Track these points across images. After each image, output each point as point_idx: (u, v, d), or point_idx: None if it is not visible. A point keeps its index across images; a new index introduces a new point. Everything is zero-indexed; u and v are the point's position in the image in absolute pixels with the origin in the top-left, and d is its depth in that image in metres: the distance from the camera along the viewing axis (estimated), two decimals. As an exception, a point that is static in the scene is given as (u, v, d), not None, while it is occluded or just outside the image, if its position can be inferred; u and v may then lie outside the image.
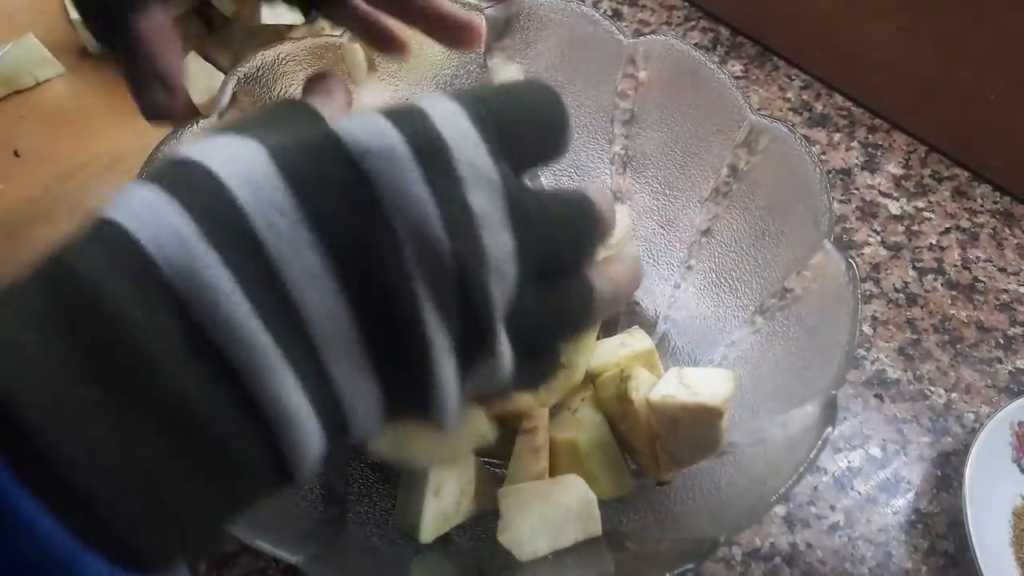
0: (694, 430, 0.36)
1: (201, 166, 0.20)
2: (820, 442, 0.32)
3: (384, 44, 0.38)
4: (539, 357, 0.26)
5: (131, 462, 0.18)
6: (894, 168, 0.63)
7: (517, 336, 0.24)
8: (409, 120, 0.21)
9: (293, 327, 0.19)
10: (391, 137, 0.21)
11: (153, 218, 0.19)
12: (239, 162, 0.20)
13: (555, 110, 0.25)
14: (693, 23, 0.71)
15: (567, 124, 0.26)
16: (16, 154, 0.57)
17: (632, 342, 0.43)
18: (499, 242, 0.22)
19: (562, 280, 0.25)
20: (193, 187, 0.19)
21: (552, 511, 0.36)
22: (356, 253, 0.20)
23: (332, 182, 0.20)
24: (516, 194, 0.22)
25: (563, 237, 0.25)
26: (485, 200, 0.22)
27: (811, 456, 0.32)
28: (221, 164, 0.20)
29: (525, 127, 0.24)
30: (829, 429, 0.33)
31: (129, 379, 0.18)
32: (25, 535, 0.16)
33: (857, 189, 0.62)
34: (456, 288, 0.21)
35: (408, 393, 0.22)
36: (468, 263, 0.21)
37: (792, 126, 0.44)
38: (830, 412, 0.33)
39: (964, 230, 0.60)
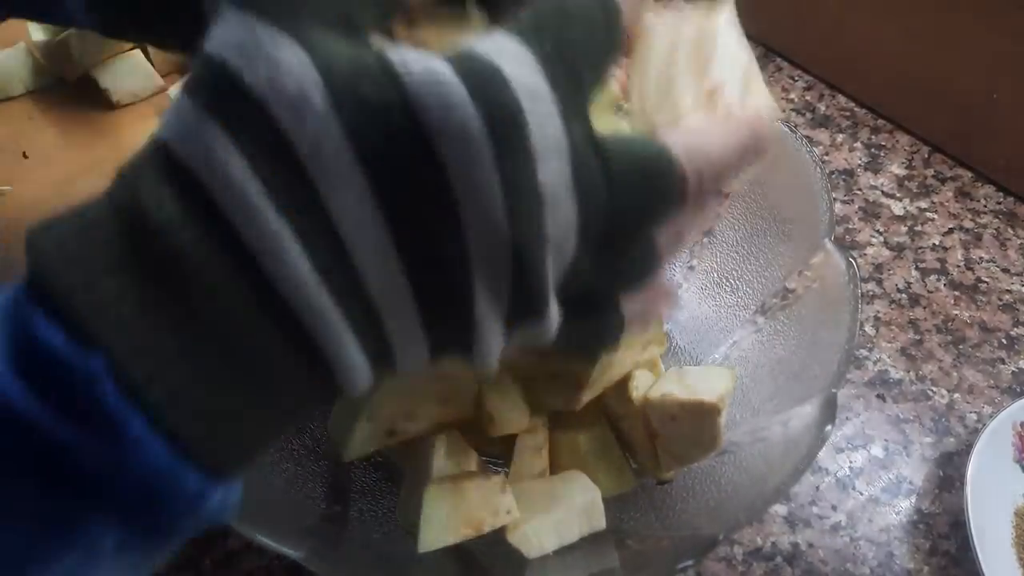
0: (693, 428, 0.37)
1: (257, 97, 0.19)
2: (820, 440, 0.32)
3: None
4: (595, 319, 0.26)
5: (212, 395, 0.19)
6: (897, 169, 0.63)
7: (571, 300, 0.24)
8: (485, 89, 0.19)
9: (350, 283, 0.20)
10: (467, 115, 0.19)
11: (205, 153, 0.19)
12: (297, 97, 0.19)
13: (609, 13, 0.24)
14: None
15: (621, 23, 0.24)
16: (25, 156, 0.57)
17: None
18: (561, 218, 0.21)
19: (627, 243, 0.25)
20: (251, 125, 0.19)
21: (558, 507, 0.36)
22: (413, 218, 0.20)
23: (395, 145, 0.19)
24: (584, 159, 0.21)
25: (631, 204, 0.23)
26: (553, 173, 0.21)
27: (811, 454, 0.32)
28: (273, 94, 0.18)
29: (588, 46, 0.23)
30: (829, 427, 0.33)
31: (209, 328, 0.19)
32: (135, 450, 0.18)
33: (860, 190, 0.62)
34: (511, 266, 0.21)
35: (452, 344, 0.23)
36: (527, 244, 0.21)
37: (795, 127, 0.44)
38: (830, 410, 0.34)
39: (967, 230, 0.60)
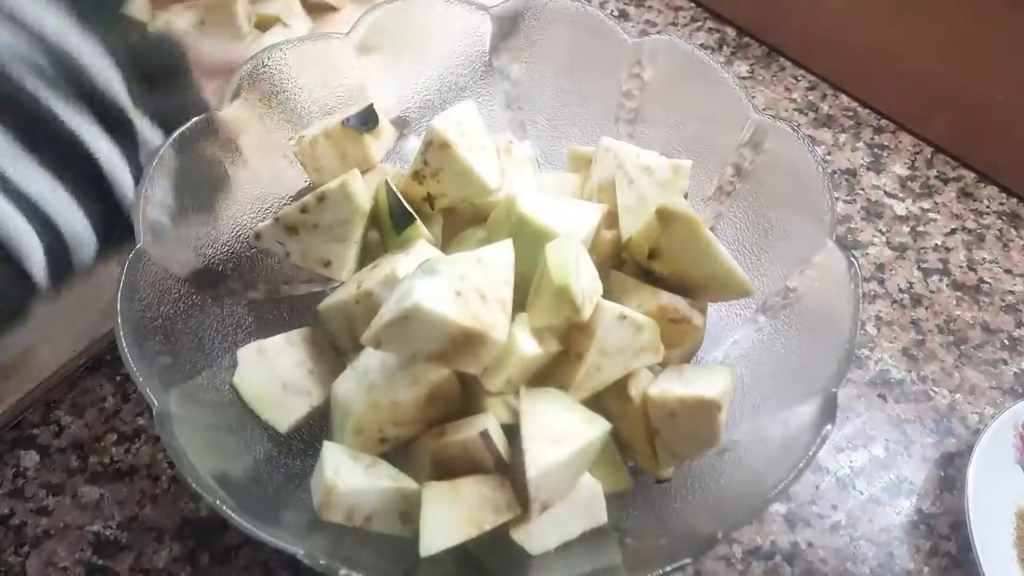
0: (692, 424, 0.36)
1: None
2: (820, 439, 0.32)
3: None
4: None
5: None
6: (900, 169, 0.63)
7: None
8: None
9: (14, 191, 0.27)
10: None
11: None
12: None
13: None
14: (699, 23, 0.71)
15: None
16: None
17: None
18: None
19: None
20: None
21: (560, 503, 0.36)
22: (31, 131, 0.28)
23: None
24: None
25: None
26: None
27: (811, 453, 0.32)
28: None
29: None
30: (829, 427, 0.33)
31: None
32: None
33: (863, 190, 0.62)
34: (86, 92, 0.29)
35: (91, 191, 0.31)
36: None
37: (797, 126, 0.44)
38: (830, 410, 0.34)
39: (970, 231, 0.60)
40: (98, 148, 0.36)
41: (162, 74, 0.41)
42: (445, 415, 0.38)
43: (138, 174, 0.39)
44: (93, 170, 0.37)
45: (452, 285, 0.34)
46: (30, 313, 0.39)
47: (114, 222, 0.39)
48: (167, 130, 0.41)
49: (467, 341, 0.34)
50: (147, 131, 0.39)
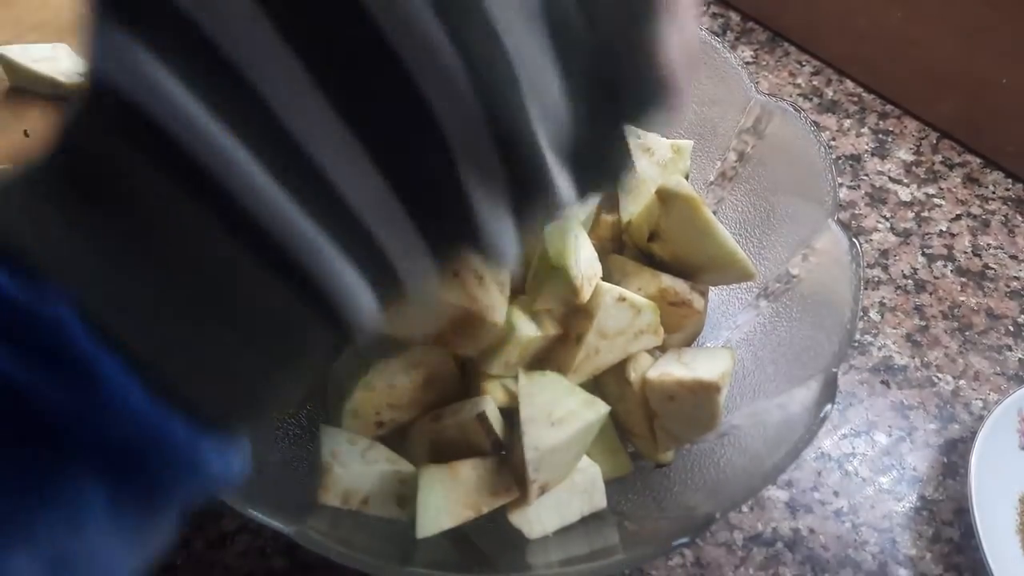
0: (692, 406, 0.36)
1: (174, 5, 0.17)
2: (819, 420, 0.32)
3: None
4: (602, 162, 0.22)
5: (194, 336, 0.18)
6: (905, 154, 0.62)
7: (575, 156, 0.20)
8: None
9: (320, 190, 0.18)
10: None
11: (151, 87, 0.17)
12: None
13: None
14: (703, 8, 0.71)
15: None
16: (26, 134, 0.57)
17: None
18: (527, 48, 0.18)
19: (622, 60, 0.20)
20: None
21: (560, 487, 0.36)
22: (368, 101, 0.18)
23: (323, 17, 0.17)
24: None
25: (610, 13, 0.19)
26: (507, 3, 0.17)
27: (810, 434, 0.32)
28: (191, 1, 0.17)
29: None
30: (828, 407, 0.32)
31: (176, 263, 0.17)
32: (110, 392, 0.16)
33: (867, 175, 0.61)
34: (482, 116, 0.18)
35: (456, 242, 0.20)
36: (490, 81, 0.17)
37: (801, 110, 0.43)
38: (830, 390, 0.33)
39: (975, 217, 0.59)
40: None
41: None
42: (443, 398, 0.38)
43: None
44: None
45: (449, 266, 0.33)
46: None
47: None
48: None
49: (465, 322, 0.34)
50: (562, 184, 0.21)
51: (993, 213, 0.59)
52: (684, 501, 0.37)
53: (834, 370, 0.34)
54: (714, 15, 0.70)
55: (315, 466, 0.35)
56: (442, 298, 0.32)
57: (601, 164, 0.22)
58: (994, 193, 0.61)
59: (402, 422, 0.38)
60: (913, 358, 0.52)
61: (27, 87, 0.59)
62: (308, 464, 0.37)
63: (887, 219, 0.59)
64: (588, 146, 0.20)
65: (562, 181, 0.20)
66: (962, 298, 0.55)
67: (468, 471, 0.35)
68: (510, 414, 0.36)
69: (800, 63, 0.68)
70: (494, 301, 0.34)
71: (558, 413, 0.35)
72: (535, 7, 0.18)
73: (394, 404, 0.37)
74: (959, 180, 0.61)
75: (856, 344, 0.52)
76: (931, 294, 0.55)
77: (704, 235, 0.38)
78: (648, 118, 0.22)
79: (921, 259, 0.57)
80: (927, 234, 0.58)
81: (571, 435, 0.34)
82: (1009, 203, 0.60)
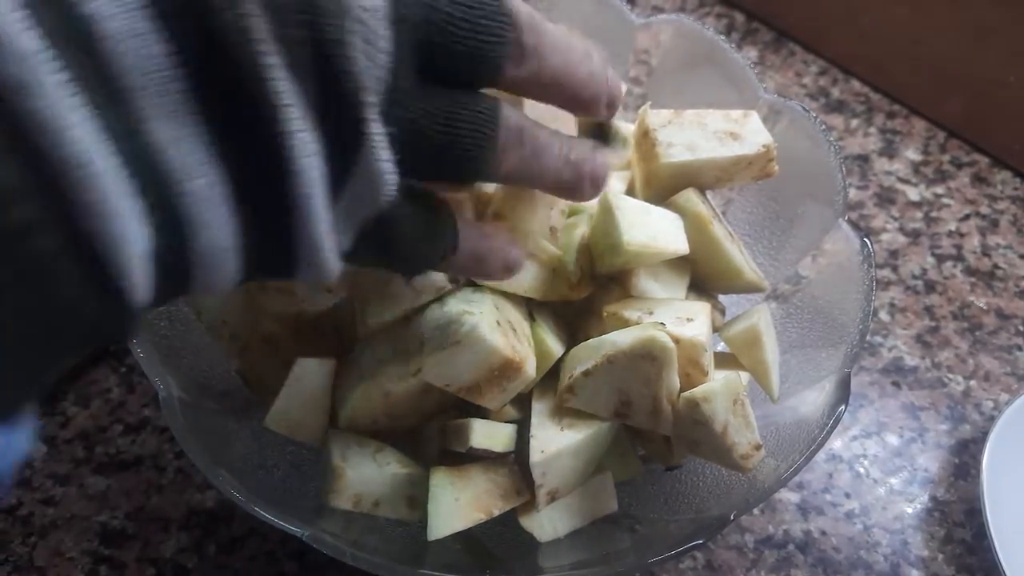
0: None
1: None
2: (833, 421, 0.32)
3: None
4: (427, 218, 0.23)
5: None
6: (913, 154, 0.62)
7: (404, 150, 0.21)
8: None
9: (92, 62, 0.17)
10: None
11: None
12: None
13: None
14: (707, 9, 0.71)
15: None
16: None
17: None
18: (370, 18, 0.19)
19: (460, 92, 0.22)
20: None
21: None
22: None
23: None
24: None
25: (463, 30, 0.21)
26: None
27: (824, 434, 0.31)
28: None
29: None
30: (842, 408, 0.32)
31: None
32: None
33: (875, 175, 0.61)
34: (307, 37, 0.18)
35: (265, 198, 0.20)
36: (320, 7, 0.18)
37: (808, 110, 0.43)
38: (843, 391, 0.33)
39: (984, 216, 0.59)
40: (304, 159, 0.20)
41: None
42: (442, 406, 0.37)
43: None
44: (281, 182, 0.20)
45: (493, 315, 0.33)
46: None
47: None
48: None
49: (503, 373, 0.33)
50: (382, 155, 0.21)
51: (1002, 212, 0.59)
52: (695, 504, 0.37)
53: (847, 371, 0.33)
54: (719, 16, 0.70)
55: (325, 469, 0.35)
56: (495, 346, 0.31)
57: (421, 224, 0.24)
58: (1003, 192, 0.60)
59: (401, 430, 0.37)
60: (923, 359, 0.52)
61: None
62: (318, 467, 0.37)
63: (896, 219, 0.58)
64: (416, 148, 0.22)
65: (382, 158, 0.21)
66: (972, 298, 0.55)
67: (479, 474, 0.35)
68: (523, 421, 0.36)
69: (806, 63, 0.67)
70: (528, 353, 0.34)
71: (568, 418, 0.35)
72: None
73: (391, 413, 0.36)
74: (967, 180, 0.61)
75: (866, 345, 0.52)
76: (941, 294, 0.55)
77: (712, 252, 0.38)
78: (474, 145, 0.23)
79: (930, 259, 0.56)
80: (936, 234, 0.58)
81: (580, 440, 0.34)
82: (1018, 202, 0.60)
